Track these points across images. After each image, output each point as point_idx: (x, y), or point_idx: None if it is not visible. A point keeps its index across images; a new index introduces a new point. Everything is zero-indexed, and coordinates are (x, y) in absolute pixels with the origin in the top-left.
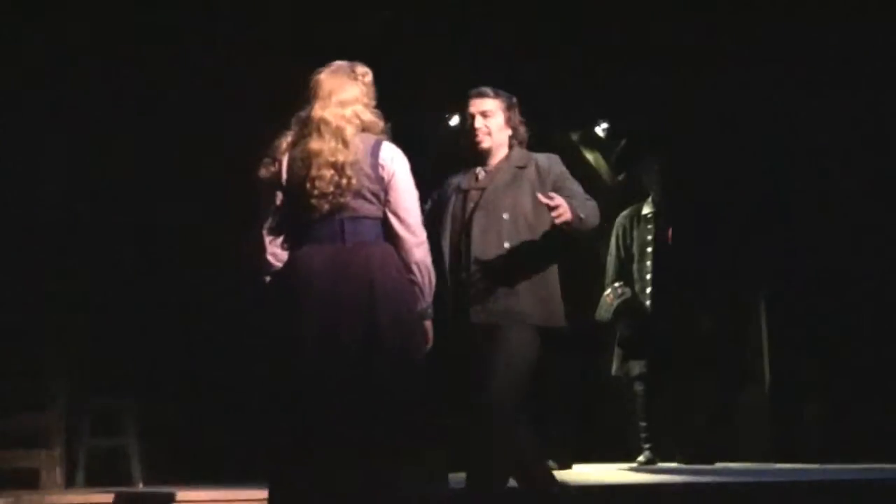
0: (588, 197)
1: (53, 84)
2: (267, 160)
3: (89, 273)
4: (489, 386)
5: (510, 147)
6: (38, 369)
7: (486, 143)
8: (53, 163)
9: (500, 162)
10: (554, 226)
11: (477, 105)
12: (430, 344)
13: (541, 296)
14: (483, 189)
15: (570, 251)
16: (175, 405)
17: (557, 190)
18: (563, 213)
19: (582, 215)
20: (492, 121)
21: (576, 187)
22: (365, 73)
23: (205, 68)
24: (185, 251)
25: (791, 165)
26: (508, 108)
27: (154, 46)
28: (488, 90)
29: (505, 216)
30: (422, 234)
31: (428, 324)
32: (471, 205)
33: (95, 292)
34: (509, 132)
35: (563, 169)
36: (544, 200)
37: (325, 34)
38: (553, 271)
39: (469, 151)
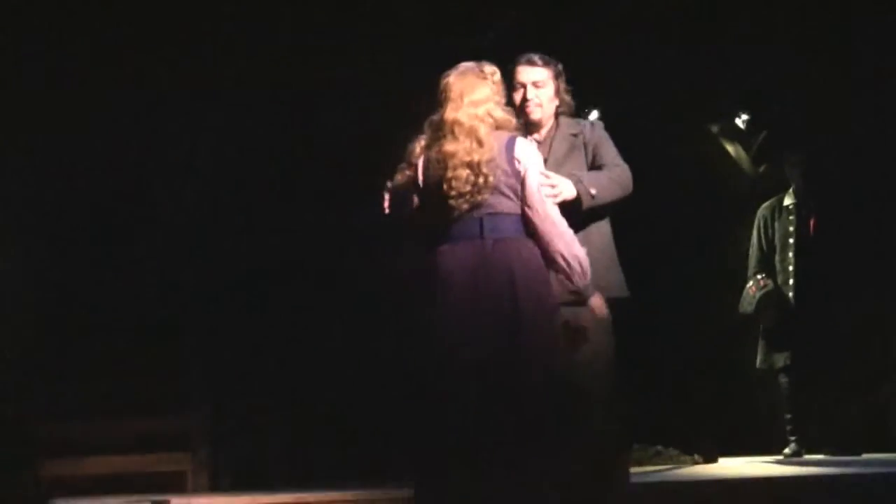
0: (618, 163)
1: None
2: (402, 165)
3: (235, 274)
4: (592, 395)
5: (556, 116)
6: (184, 369)
7: (536, 114)
8: (200, 162)
9: (551, 131)
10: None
11: (528, 74)
12: (606, 315)
13: (612, 265)
14: (544, 161)
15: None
16: (320, 406)
17: (594, 156)
18: (558, 193)
19: (593, 191)
20: (543, 91)
21: (609, 155)
22: (493, 71)
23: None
24: (320, 250)
25: None
26: (557, 76)
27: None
28: (537, 57)
29: None
30: (562, 225)
31: (596, 299)
32: None
33: (239, 293)
34: (557, 102)
35: (603, 133)
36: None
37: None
38: (612, 239)
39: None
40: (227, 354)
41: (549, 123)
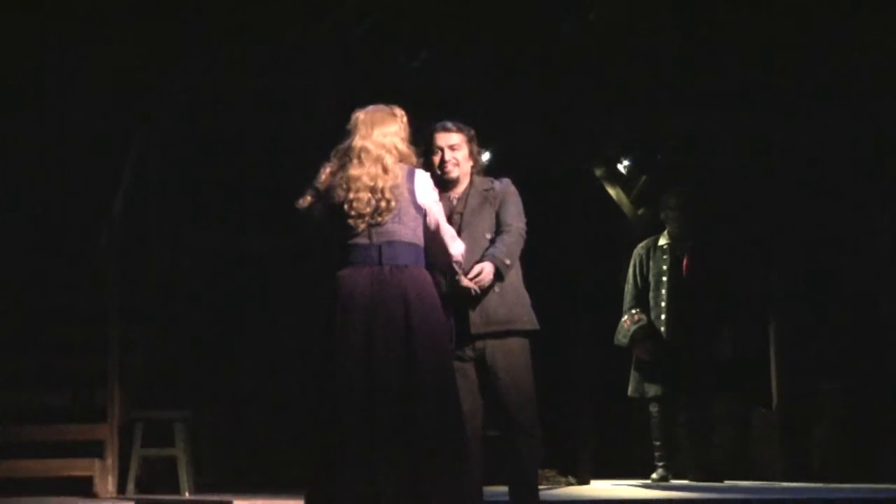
0: (511, 223)
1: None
2: (309, 190)
3: (145, 286)
4: (516, 407)
5: (471, 175)
6: (94, 380)
7: (454, 173)
8: (126, 182)
9: (467, 188)
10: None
11: (444, 139)
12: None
13: (523, 302)
14: (461, 213)
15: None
16: (227, 416)
17: (499, 207)
18: (482, 279)
19: (507, 261)
20: (458, 153)
21: (510, 212)
22: (402, 114)
23: None
24: (238, 269)
25: (799, 194)
26: (470, 140)
27: None
28: (452, 125)
29: (487, 235)
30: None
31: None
32: (454, 228)
33: (152, 305)
34: (471, 162)
35: (511, 190)
36: (470, 275)
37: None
38: (521, 278)
39: (435, 181)
40: (139, 362)
41: (465, 181)
